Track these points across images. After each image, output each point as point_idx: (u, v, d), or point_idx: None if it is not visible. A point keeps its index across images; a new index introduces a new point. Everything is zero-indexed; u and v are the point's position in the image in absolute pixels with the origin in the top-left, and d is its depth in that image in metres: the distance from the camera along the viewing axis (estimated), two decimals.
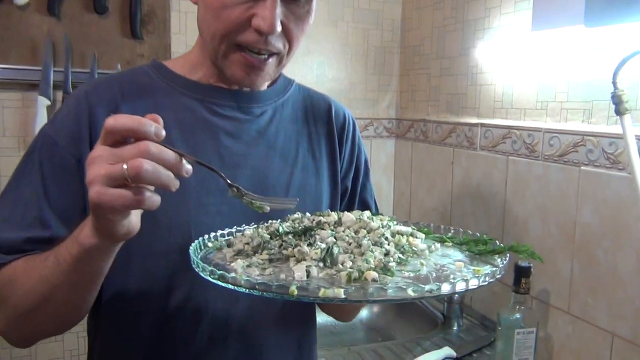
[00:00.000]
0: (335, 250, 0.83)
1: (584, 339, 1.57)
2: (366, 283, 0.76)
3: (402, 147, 2.57)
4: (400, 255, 0.87)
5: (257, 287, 0.71)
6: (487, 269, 0.82)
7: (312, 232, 0.90)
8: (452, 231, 1.07)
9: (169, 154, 0.66)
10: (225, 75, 0.97)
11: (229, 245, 0.93)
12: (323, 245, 0.83)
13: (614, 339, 1.46)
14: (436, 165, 2.32)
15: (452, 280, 0.74)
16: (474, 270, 0.82)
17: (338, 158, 1.14)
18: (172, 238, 0.93)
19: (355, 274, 0.77)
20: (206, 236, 0.96)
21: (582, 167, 1.53)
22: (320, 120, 1.14)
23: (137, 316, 0.94)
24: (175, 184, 0.68)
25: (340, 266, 0.80)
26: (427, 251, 0.92)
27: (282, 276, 0.78)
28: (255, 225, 0.98)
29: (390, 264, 0.80)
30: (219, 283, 0.75)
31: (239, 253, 0.88)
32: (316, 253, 0.81)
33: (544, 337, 1.70)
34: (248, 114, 1.03)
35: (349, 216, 0.94)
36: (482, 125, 1.98)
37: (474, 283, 0.74)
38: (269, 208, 0.86)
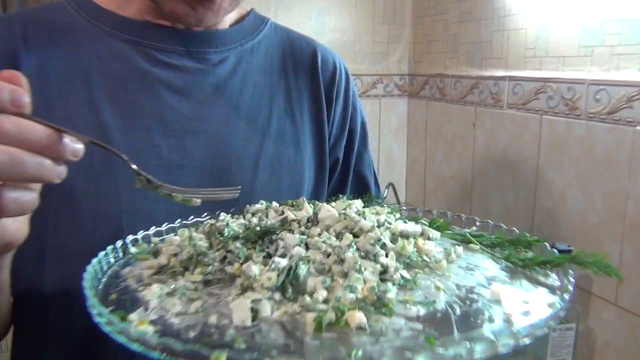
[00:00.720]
0: (302, 270, 0.53)
1: (634, 335, 1.36)
2: (347, 333, 0.46)
3: (415, 107, 2.29)
4: (405, 274, 0.57)
5: (156, 348, 0.42)
6: (542, 300, 0.52)
7: (273, 237, 0.60)
8: (478, 224, 0.77)
9: (36, 133, 0.48)
10: (163, 11, 0.78)
11: (155, 254, 0.64)
12: (282, 264, 0.53)
13: None
14: (455, 128, 2.01)
15: (490, 337, 0.44)
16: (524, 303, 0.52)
17: (326, 121, 0.93)
18: (98, 232, 0.75)
19: (331, 316, 0.48)
20: (129, 238, 0.68)
21: (637, 127, 1.29)
22: (303, 70, 0.93)
23: (58, 330, 0.78)
24: (54, 174, 0.50)
25: (308, 299, 0.50)
26: (444, 262, 0.62)
27: (213, 319, 0.49)
28: (194, 223, 0.69)
29: (388, 294, 0.51)
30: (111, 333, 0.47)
31: (162, 271, 0.59)
32: (269, 279, 0.51)
33: (584, 331, 1.45)
34: (201, 62, 0.83)
35: (328, 211, 0.64)
36: (511, 78, 1.72)
37: (525, 334, 0.44)
38: (199, 201, 0.61)
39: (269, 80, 0.88)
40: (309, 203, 0.68)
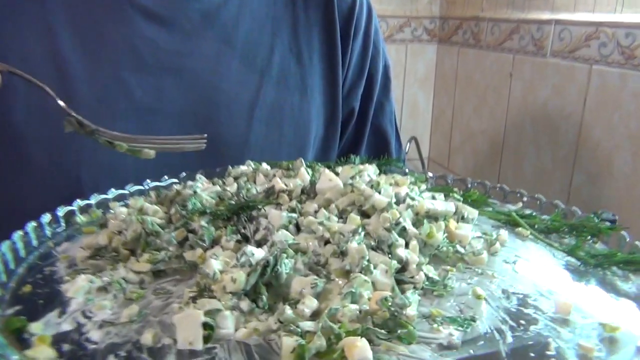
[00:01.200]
0: (286, 266, 0.37)
1: None
2: None
3: (445, 53, 2.06)
4: (431, 274, 0.40)
5: None
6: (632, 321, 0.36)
7: (253, 214, 0.44)
8: (525, 199, 0.59)
9: None
10: None
11: (102, 227, 0.49)
12: (257, 255, 0.37)
13: None
14: (489, 78, 1.79)
15: None
16: (605, 327, 0.36)
17: (340, 62, 0.78)
18: (51, 188, 0.64)
19: (319, 344, 0.32)
20: (77, 204, 0.53)
21: None
22: (314, 1, 0.77)
23: None
24: None
25: (289, 311, 0.34)
26: (485, 254, 0.46)
27: (147, 337, 0.33)
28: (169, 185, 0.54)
29: (407, 311, 0.34)
30: None
31: (100, 254, 0.43)
32: (233, 281, 0.35)
33: None
34: None
35: (330, 180, 0.47)
36: (557, 22, 1.51)
37: None
38: (152, 152, 0.49)
39: (272, 11, 0.75)
40: (307, 167, 0.52)
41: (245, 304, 0.36)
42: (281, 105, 0.74)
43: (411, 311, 0.35)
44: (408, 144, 1.80)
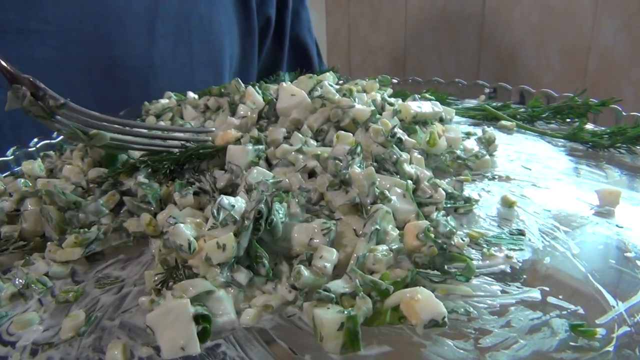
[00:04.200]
0: (279, 213, 0.27)
1: None
2: (400, 336, 0.22)
3: None
4: (451, 189, 0.32)
5: None
6: None
7: (202, 166, 0.32)
8: (487, 90, 0.53)
9: None
10: None
11: None
12: (240, 205, 0.26)
13: None
14: None
15: None
16: None
17: None
18: None
19: (366, 308, 0.22)
20: None
21: None
22: None
23: None
24: None
25: (305, 274, 0.25)
26: (487, 156, 0.38)
27: (115, 353, 0.22)
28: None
29: (456, 239, 0.26)
30: None
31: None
32: (220, 248, 0.24)
33: None
34: None
35: (293, 95, 0.36)
36: None
37: None
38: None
39: None
40: (251, 86, 0.40)
41: (242, 276, 0.25)
42: (187, 16, 0.60)
43: (458, 240, 0.27)
44: None
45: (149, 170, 0.32)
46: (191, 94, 0.44)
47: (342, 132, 0.33)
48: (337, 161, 0.31)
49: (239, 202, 0.27)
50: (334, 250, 0.26)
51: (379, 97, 0.40)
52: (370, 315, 0.23)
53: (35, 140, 0.44)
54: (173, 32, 0.57)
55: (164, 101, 0.44)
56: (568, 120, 0.47)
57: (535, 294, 0.25)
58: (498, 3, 1.37)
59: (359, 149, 0.31)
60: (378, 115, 0.36)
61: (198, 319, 0.23)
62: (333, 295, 0.24)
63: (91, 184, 0.32)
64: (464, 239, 0.27)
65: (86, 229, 0.30)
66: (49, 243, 0.30)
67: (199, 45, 0.60)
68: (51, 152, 0.40)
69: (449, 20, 1.50)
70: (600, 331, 0.22)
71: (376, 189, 0.29)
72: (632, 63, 1.11)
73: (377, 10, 1.73)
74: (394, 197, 0.29)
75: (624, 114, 0.44)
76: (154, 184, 0.32)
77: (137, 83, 0.50)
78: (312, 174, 0.33)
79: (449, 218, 0.28)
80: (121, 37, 0.53)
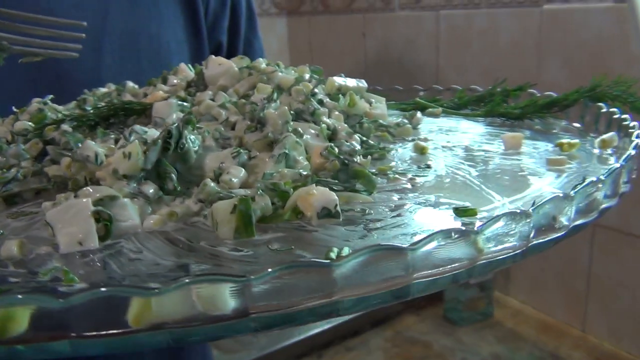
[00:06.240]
0: (193, 143, 0.28)
1: None
2: (301, 229, 0.23)
3: (296, 25, 2.03)
4: (365, 139, 0.34)
5: None
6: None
7: (129, 123, 0.34)
8: (422, 93, 0.56)
9: None
10: None
11: None
12: (153, 133, 0.28)
13: None
14: (343, 41, 1.80)
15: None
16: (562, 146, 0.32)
17: None
18: None
19: (264, 204, 0.23)
20: None
21: (544, 7, 1.19)
22: None
23: None
24: None
25: (211, 185, 0.25)
26: (409, 126, 0.41)
27: (11, 247, 0.23)
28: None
29: (357, 158, 0.27)
30: None
31: None
32: (125, 157, 0.25)
33: None
34: None
35: (220, 64, 0.38)
36: None
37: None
38: None
39: None
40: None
41: (149, 188, 0.26)
42: (136, 35, 0.62)
43: (362, 158, 0.28)
44: None
45: (74, 123, 0.33)
46: (130, 83, 0.46)
47: (262, 84, 0.35)
48: (254, 105, 0.32)
49: (152, 131, 0.28)
50: (242, 168, 0.27)
51: (307, 75, 0.42)
52: (270, 215, 0.24)
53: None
54: (120, 48, 0.59)
55: (104, 89, 0.45)
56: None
57: (430, 197, 0.26)
58: (449, 49, 1.45)
59: (275, 95, 0.33)
60: (305, 83, 0.38)
61: (99, 218, 0.24)
62: (234, 195, 0.25)
63: (16, 135, 0.33)
64: (368, 157, 0.29)
65: (5, 169, 0.30)
66: None
67: (147, 62, 0.62)
68: None
69: (405, 69, 1.57)
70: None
71: (289, 126, 0.31)
72: None
73: (338, 62, 1.81)
74: (307, 136, 0.31)
75: (538, 95, 0.47)
76: (77, 134, 0.33)
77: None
78: (234, 126, 0.34)
79: (353, 141, 0.30)
80: None
